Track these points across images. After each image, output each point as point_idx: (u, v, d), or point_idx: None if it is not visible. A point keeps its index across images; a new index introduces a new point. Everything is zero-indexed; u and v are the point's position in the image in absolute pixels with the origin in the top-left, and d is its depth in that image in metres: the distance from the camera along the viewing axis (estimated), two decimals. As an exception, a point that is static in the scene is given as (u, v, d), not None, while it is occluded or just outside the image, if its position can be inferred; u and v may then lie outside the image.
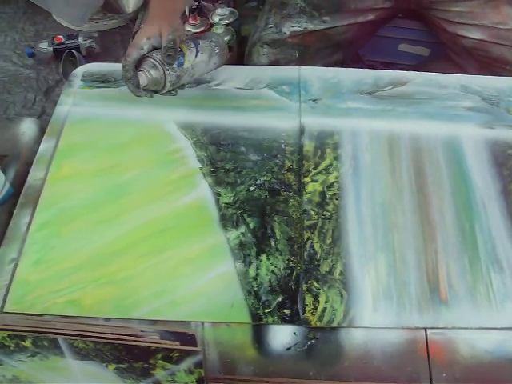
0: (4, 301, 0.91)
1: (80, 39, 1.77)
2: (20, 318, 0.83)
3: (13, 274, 0.94)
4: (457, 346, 0.86)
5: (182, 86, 1.16)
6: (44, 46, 1.77)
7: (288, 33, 1.41)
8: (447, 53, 1.51)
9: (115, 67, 1.28)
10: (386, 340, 0.87)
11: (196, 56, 1.12)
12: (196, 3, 1.64)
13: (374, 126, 1.14)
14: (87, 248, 0.97)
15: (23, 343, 0.73)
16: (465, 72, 1.37)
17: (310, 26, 1.40)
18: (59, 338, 0.71)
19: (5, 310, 0.90)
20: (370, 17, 1.43)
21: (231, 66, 1.33)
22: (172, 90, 1.12)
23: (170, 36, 1.06)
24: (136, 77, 1.05)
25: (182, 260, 0.95)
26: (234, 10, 1.56)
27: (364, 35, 1.50)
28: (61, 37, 1.77)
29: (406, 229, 0.98)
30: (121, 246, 0.97)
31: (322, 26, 1.40)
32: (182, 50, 1.10)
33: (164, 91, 1.11)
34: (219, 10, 1.53)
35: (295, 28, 1.41)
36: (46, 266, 0.95)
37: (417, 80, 1.23)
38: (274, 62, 1.42)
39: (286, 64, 1.41)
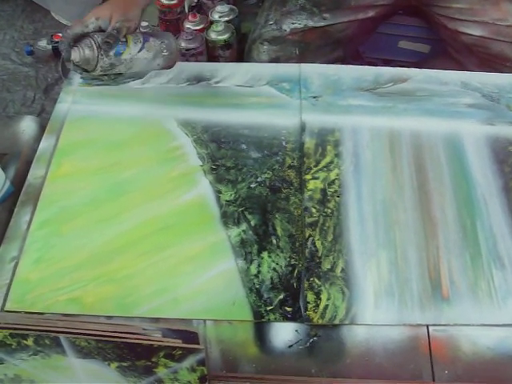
0: (5, 299, 0.91)
1: (79, 37, 1.76)
2: (21, 316, 0.82)
3: (13, 273, 0.94)
4: (459, 342, 0.86)
5: (120, 75, 1.17)
6: (43, 43, 1.76)
7: (288, 30, 1.41)
8: (447, 50, 1.51)
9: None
10: (388, 337, 0.87)
11: (139, 51, 1.12)
12: (195, 0, 1.63)
13: (375, 123, 1.14)
14: (88, 246, 0.97)
15: (25, 342, 0.73)
16: (465, 69, 1.37)
17: (311, 23, 1.40)
18: (61, 336, 0.71)
19: (6, 309, 0.89)
20: (371, 13, 1.42)
21: (231, 63, 1.33)
22: (104, 74, 1.14)
23: (118, 24, 1.07)
24: (69, 50, 1.07)
25: (183, 258, 0.95)
26: (233, 7, 1.55)
27: (364, 32, 1.50)
28: (60, 34, 1.76)
29: (408, 226, 0.98)
30: (122, 244, 0.97)
31: (323, 23, 1.40)
32: (126, 41, 1.10)
33: (94, 73, 1.12)
34: (219, 8, 1.52)
35: (295, 25, 1.40)
36: (47, 264, 0.95)
37: (417, 77, 1.23)
38: (274, 59, 1.42)
39: (286, 61, 1.41)
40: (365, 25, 1.45)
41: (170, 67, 1.20)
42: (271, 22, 1.43)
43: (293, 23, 1.40)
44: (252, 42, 1.46)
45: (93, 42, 1.07)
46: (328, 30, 1.41)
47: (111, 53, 1.08)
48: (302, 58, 1.40)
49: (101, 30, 1.09)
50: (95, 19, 1.08)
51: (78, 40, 1.07)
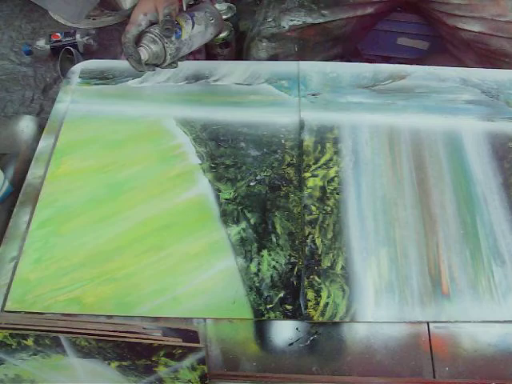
0: (5, 299, 0.91)
1: (77, 36, 1.76)
2: (21, 316, 0.82)
3: (13, 273, 0.94)
4: (459, 339, 0.86)
5: (182, 59, 1.16)
6: (41, 43, 1.76)
7: (287, 27, 1.41)
8: (446, 46, 1.51)
9: (113, 64, 1.28)
10: (389, 334, 0.87)
11: (193, 27, 1.13)
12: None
13: (374, 120, 1.14)
14: (88, 245, 0.97)
15: (25, 342, 0.73)
16: (464, 65, 1.37)
17: (309, 20, 1.40)
18: (61, 336, 0.71)
19: (6, 309, 0.89)
20: (369, 10, 1.42)
21: (230, 61, 1.33)
22: (172, 62, 1.13)
23: (166, 10, 1.07)
24: (137, 52, 1.06)
25: (183, 257, 0.95)
26: (231, 5, 1.55)
27: (363, 29, 1.50)
28: (58, 34, 1.76)
29: (407, 223, 0.98)
30: (121, 243, 0.97)
31: (321, 20, 1.40)
32: (178, 23, 1.11)
33: (165, 64, 1.11)
34: (217, 6, 1.52)
35: (294, 22, 1.40)
36: (47, 264, 0.95)
37: (416, 73, 1.23)
38: (273, 57, 1.42)
39: (285, 58, 1.41)
40: (363, 21, 1.45)
41: (220, 33, 1.25)
42: (270, 19, 1.42)
43: (291, 20, 1.40)
44: (251, 40, 1.46)
45: (153, 35, 1.07)
46: (327, 26, 1.41)
47: (173, 38, 1.08)
48: (300, 55, 1.41)
49: (152, 23, 1.09)
50: (143, 15, 1.07)
51: (138, 41, 1.07)
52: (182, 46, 1.11)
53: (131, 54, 1.06)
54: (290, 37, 1.41)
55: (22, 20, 1.96)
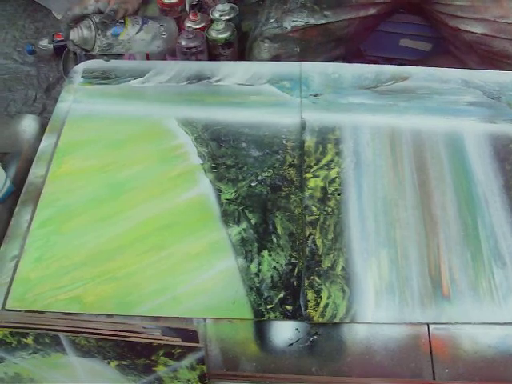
0: (5, 298, 0.91)
1: (81, 36, 1.76)
2: (21, 315, 0.82)
3: (14, 272, 0.94)
4: (460, 341, 0.86)
5: (118, 57, 1.21)
6: (44, 43, 1.77)
7: (289, 27, 1.41)
8: (449, 48, 1.50)
9: (116, 64, 1.27)
10: (389, 336, 0.86)
11: (137, 33, 1.16)
12: (196, -1, 1.63)
13: (376, 121, 1.14)
14: (89, 245, 0.97)
15: (25, 340, 0.73)
16: (466, 66, 1.37)
17: (312, 21, 1.40)
18: (61, 334, 0.71)
19: (6, 307, 0.90)
20: (372, 11, 1.42)
21: (232, 61, 1.32)
22: (104, 54, 1.17)
23: (115, 6, 1.11)
24: (68, 30, 1.11)
25: (184, 256, 0.95)
26: (234, 5, 1.55)
27: (365, 30, 1.49)
28: (61, 34, 1.76)
29: (408, 224, 0.98)
30: (122, 242, 0.97)
31: (324, 21, 1.40)
32: (125, 23, 1.14)
33: (93, 53, 1.16)
34: (219, 6, 1.52)
35: (296, 23, 1.40)
36: (48, 263, 0.95)
37: (418, 75, 1.23)
38: (275, 57, 1.42)
39: (288, 59, 1.41)
40: (366, 22, 1.45)
41: (170, 50, 1.27)
42: (272, 20, 1.42)
43: (294, 21, 1.40)
44: (253, 40, 1.46)
45: (91, 22, 1.11)
46: (329, 27, 1.41)
47: (108, 33, 1.12)
48: (302, 56, 1.40)
49: (100, 12, 1.12)
50: (94, 1, 1.11)
51: (77, 21, 1.11)
52: (115, 44, 1.15)
53: (63, 29, 1.12)
54: (292, 37, 1.41)
55: (26, 20, 1.96)
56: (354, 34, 1.45)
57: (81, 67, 1.28)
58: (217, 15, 1.52)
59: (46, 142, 1.13)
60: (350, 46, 1.50)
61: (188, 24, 1.48)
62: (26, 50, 1.79)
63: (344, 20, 1.41)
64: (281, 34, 1.41)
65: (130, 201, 1.02)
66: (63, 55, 1.68)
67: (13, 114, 1.60)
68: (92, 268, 0.94)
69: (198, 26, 1.48)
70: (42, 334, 0.72)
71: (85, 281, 0.92)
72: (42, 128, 1.19)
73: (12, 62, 1.81)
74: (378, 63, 1.63)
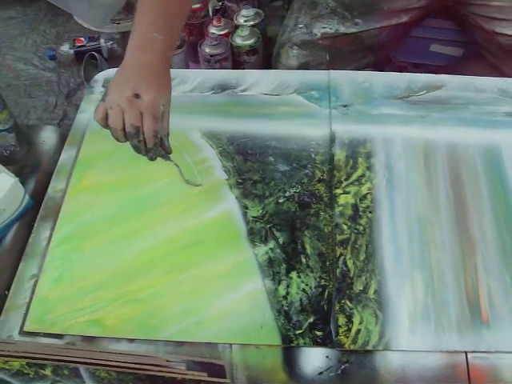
0: (24, 319, 0.88)
1: (101, 41, 1.74)
2: (39, 345, 0.79)
3: (33, 292, 0.91)
4: (500, 370, 0.81)
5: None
6: (65, 48, 1.74)
7: (319, 34, 1.36)
8: (482, 53, 1.45)
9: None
10: (424, 364, 0.82)
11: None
12: (220, 3, 1.59)
13: (408, 134, 1.09)
14: (109, 264, 0.94)
15: (43, 371, 0.70)
16: (502, 74, 1.31)
17: (342, 29, 1.35)
18: (81, 367, 0.68)
19: (25, 330, 0.87)
20: (404, 18, 1.37)
21: (257, 70, 1.29)
22: None
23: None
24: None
25: (209, 277, 0.91)
26: (259, 10, 1.51)
27: (396, 38, 1.44)
28: (82, 39, 1.74)
29: (444, 244, 0.93)
30: (144, 262, 0.94)
31: (354, 29, 1.35)
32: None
33: None
34: (244, 11, 1.48)
35: (326, 29, 1.35)
36: (67, 283, 0.92)
37: (452, 84, 1.18)
38: (304, 65, 1.37)
39: (317, 67, 1.36)
40: (397, 30, 1.39)
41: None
42: (301, 26, 1.37)
43: (323, 27, 1.35)
44: (280, 46, 1.41)
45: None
46: (360, 35, 1.36)
47: None
48: (332, 64, 1.36)
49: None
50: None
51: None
52: None
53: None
54: (321, 45, 1.36)
55: (47, 24, 1.94)
56: (384, 42, 1.40)
57: (101, 76, 1.25)
58: (241, 21, 1.48)
59: (65, 155, 1.10)
60: (380, 54, 1.45)
61: (212, 30, 1.45)
62: (46, 55, 1.77)
63: (375, 28, 1.36)
64: (310, 40, 1.36)
65: (153, 218, 0.99)
66: (84, 60, 1.66)
67: (31, 124, 1.56)
68: (113, 289, 0.91)
69: (221, 32, 1.45)
70: (60, 365, 0.68)
71: (105, 302, 0.89)
72: (62, 139, 1.16)
73: (33, 68, 1.78)
74: (408, 69, 1.58)
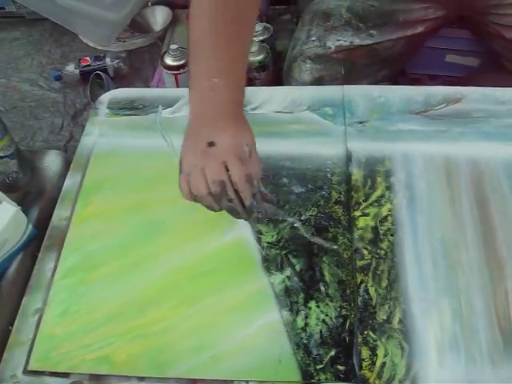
0: (28, 357, 0.83)
1: (107, 60, 1.70)
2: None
3: (37, 327, 0.86)
4: (539, 406, 0.75)
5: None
6: (71, 68, 1.71)
7: (333, 47, 1.30)
8: (500, 62, 1.39)
9: (143, 92, 1.21)
10: (456, 399, 0.76)
11: None
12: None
13: (428, 150, 1.03)
14: (117, 297, 0.89)
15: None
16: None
17: (357, 41, 1.30)
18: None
19: (29, 369, 0.82)
20: (420, 29, 1.32)
21: (268, 87, 1.24)
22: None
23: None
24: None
25: (222, 309, 0.86)
26: (268, 25, 1.47)
27: (411, 49, 1.39)
28: (87, 58, 1.71)
29: (471, 267, 0.88)
30: (154, 293, 0.89)
31: (369, 41, 1.30)
32: None
33: None
34: (252, 26, 1.44)
35: (341, 42, 1.30)
36: (73, 317, 0.87)
37: (472, 96, 1.12)
38: (318, 79, 1.32)
39: (331, 81, 1.31)
40: (412, 41, 1.34)
41: None
42: (314, 38, 1.32)
43: (338, 40, 1.30)
44: (293, 60, 1.36)
45: None
46: (375, 48, 1.31)
47: None
48: (347, 78, 1.30)
49: None
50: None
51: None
52: None
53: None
54: (336, 58, 1.31)
55: (52, 44, 1.92)
56: (399, 54, 1.35)
57: (107, 97, 1.20)
58: (250, 36, 1.43)
59: (70, 181, 1.05)
60: (395, 67, 1.40)
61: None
62: (52, 75, 1.74)
63: (390, 40, 1.31)
64: (324, 54, 1.31)
65: (161, 246, 0.94)
66: (90, 80, 1.62)
67: (35, 149, 1.52)
68: (121, 323, 0.86)
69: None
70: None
71: (114, 338, 0.84)
72: (66, 164, 1.12)
73: (38, 89, 1.75)
74: (423, 81, 1.53)
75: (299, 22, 1.44)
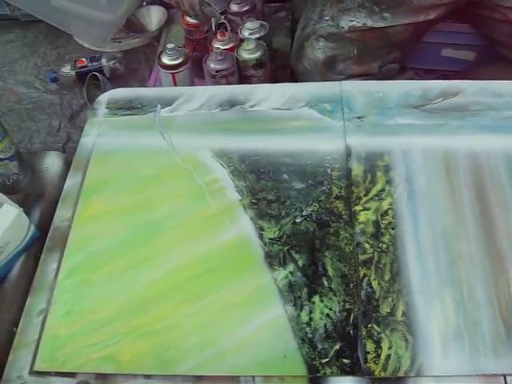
0: (34, 358, 0.83)
1: (103, 61, 1.70)
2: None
3: (42, 328, 0.87)
4: (542, 394, 0.76)
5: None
6: (66, 69, 1.72)
7: (346, 27, 1.32)
8: (497, 54, 1.39)
9: (142, 92, 1.21)
10: (460, 390, 0.76)
11: None
12: (222, 17, 1.55)
13: (427, 144, 1.04)
14: (121, 295, 0.89)
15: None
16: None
17: (370, 23, 1.31)
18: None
19: (36, 369, 0.82)
20: (432, 15, 1.32)
21: (266, 84, 1.24)
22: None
23: None
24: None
25: (226, 306, 0.86)
26: (264, 22, 1.47)
27: (417, 36, 1.40)
28: (83, 59, 1.72)
29: (472, 259, 0.88)
30: (157, 291, 0.89)
31: (382, 24, 1.30)
32: None
33: None
34: (248, 24, 1.44)
35: (354, 23, 1.31)
36: (78, 317, 0.87)
37: (469, 89, 1.12)
38: (331, 58, 1.33)
39: (344, 60, 1.32)
40: (422, 28, 1.35)
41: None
42: (327, 18, 1.33)
43: (351, 20, 1.31)
44: (305, 39, 1.37)
45: None
46: (386, 31, 1.32)
47: None
48: (359, 58, 1.32)
49: None
50: None
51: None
52: None
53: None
54: (348, 38, 1.32)
55: (47, 46, 1.92)
56: (407, 40, 1.36)
57: (105, 97, 1.20)
58: (246, 34, 1.44)
59: (70, 182, 1.05)
60: (403, 51, 1.41)
61: (216, 45, 1.41)
62: (48, 77, 1.74)
63: (401, 25, 1.31)
64: (337, 33, 1.32)
65: (163, 244, 0.94)
66: (86, 81, 1.63)
67: (34, 151, 1.52)
68: (126, 322, 0.86)
69: (226, 47, 1.40)
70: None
71: (119, 337, 0.84)
72: (66, 165, 1.12)
73: (34, 91, 1.75)
74: (419, 75, 1.54)
75: (309, 3, 1.45)
